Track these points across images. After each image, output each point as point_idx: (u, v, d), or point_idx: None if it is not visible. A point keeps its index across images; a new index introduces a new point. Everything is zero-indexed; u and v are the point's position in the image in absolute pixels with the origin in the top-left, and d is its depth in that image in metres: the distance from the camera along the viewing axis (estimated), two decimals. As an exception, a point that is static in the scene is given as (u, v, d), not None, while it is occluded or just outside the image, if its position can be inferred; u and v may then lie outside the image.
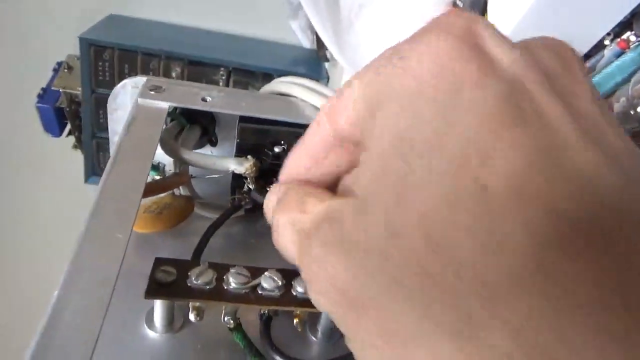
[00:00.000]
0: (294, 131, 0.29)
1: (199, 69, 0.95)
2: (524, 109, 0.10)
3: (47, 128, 0.93)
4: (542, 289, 0.08)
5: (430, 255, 0.09)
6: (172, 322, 0.23)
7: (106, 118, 0.98)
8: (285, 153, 0.28)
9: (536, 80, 0.10)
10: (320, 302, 0.11)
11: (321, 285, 0.11)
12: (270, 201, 0.15)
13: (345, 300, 0.10)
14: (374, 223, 0.10)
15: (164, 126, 0.27)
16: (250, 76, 0.92)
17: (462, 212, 0.09)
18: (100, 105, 0.86)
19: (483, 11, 0.57)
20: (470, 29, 0.11)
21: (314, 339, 0.25)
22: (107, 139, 1.05)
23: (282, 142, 0.28)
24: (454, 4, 0.60)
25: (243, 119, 0.29)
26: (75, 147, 0.96)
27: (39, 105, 0.90)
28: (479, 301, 0.09)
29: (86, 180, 0.93)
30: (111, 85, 0.86)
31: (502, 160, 0.09)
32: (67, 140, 1.00)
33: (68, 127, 1.00)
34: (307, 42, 0.98)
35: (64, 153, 1.00)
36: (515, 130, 0.10)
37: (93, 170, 0.90)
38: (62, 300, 0.17)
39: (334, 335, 0.25)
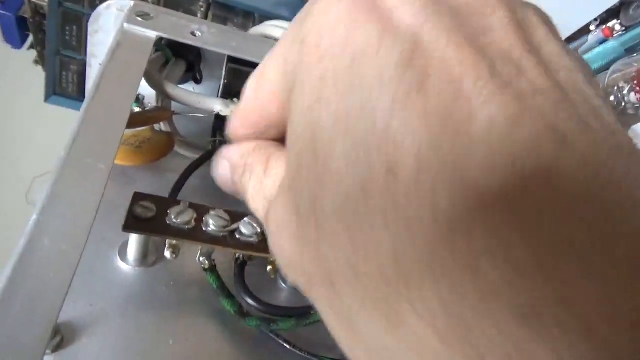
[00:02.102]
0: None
1: (177, -3, 0.90)
2: (424, 69, 0.09)
3: (7, 38, 0.88)
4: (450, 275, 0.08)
5: (355, 254, 0.09)
6: (146, 257, 0.23)
7: (72, 35, 0.93)
8: (272, 100, 0.27)
9: (437, 28, 0.09)
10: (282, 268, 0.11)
11: (279, 261, 0.11)
12: (228, 165, 0.15)
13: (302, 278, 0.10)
14: (305, 219, 0.10)
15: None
16: (230, 12, 0.88)
17: (374, 203, 0.09)
18: (68, 20, 0.81)
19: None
20: None
21: (283, 285, 0.26)
22: (73, 57, 0.99)
23: (270, 88, 0.28)
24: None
25: (232, 59, 0.28)
26: (36, 62, 0.91)
27: (0, 11, 0.84)
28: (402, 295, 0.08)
29: (46, 99, 0.89)
30: (81, 1, 0.80)
31: (408, 138, 0.08)
32: (28, 54, 0.94)
33: (30, 39, 0.94)
34: (293, -16, 0.94)
35: (24, 67, 0.95)
36: (416, 98, 0.09)
37: (54, 89, 0.86)
38: (41, 225, 0.17)
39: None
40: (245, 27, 1.02)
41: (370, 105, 0.09)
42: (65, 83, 0.87)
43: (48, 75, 0.86)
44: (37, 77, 0.88)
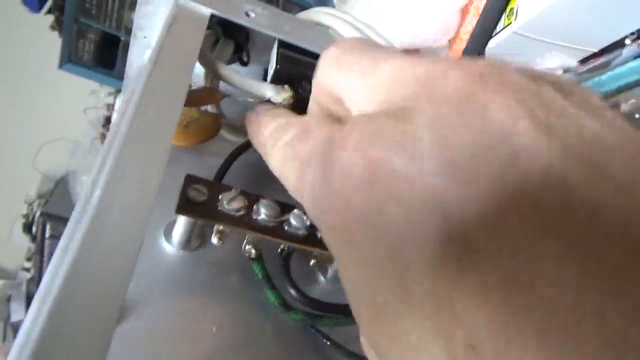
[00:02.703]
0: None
1: (202, -27, 0.88)
2: None
3: (26, 1, 0.86)
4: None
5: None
6: (190, 241, 0.23)
7: (92, 4, 0.91)
8: (322, 90, 0.27)
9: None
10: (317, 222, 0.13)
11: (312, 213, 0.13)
12: (266, 127, 0.18)
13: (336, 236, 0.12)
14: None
15: (201, 34, 0.25)
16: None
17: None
18: (89, -12, 0.80)
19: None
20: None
21: (322, 278, 0.25)
22: (91, 26, 0.98)
23: (320, 78, 0.27)
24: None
25: (283, 44, 0.27)
26: (52, 27, 0.90)
27: (21, -26, 0.82)
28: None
29: (60, 66, 0.88)
30: (103, -32, 0.79)
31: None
32: (44, 19, 0.93)
33: (48, 4, 0.92)
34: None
35: (40, 31, 0.93)
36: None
37: (69, 57, 0.85)
38: (105, 202, 0.16)
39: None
40: (268, 10, 0.99)
41: None
42: (81, 51, 0.86)
43: (64, 42, 0.85)
44: (53, 43, 0.87)
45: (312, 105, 0.18)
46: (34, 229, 1.06)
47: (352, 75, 0.14)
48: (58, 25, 0.90)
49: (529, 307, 0.08)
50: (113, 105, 0.92)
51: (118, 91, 0.91)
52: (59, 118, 0.98)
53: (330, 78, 0.15)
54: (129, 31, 0.85)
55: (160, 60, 0.22)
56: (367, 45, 0.15)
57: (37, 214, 1.02)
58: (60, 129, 0.97)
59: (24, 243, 1.16)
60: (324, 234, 0.12)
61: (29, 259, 1.21)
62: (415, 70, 0.12)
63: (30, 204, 1.14)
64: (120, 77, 1.03)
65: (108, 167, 0.17)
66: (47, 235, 1.03)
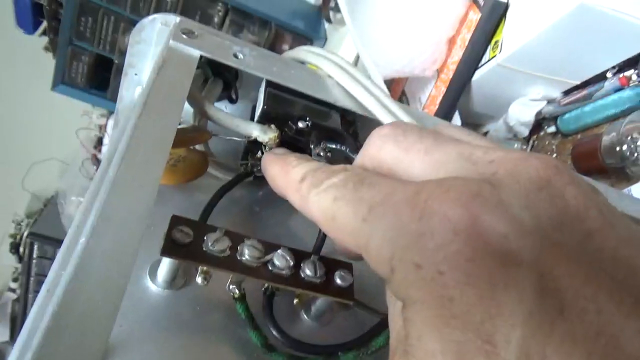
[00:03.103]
0: (318, 108, 0.29)
1: (195, 0, 0.90)
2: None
3: (20, 22, 0.86)
4: None
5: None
6: (175, 280, 0.23)
7: (87, 27, 0.92)
8: (308, 129, 0.27)
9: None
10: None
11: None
12: (295, 168, 0.19)
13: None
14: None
15: (190, 74, 0.26)
16: (247, 19, 0.88)
17: None
18: (85, 11, 0.81)
19: (500, 21, 0.57)
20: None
21: (305, 317, 0.26)
22: (85, 48, 0.98)
23: (307, 117, 0.28)
24: (474, 1, 0.59)
25: (270, 84, 0.28)
26: (46, 49, 0.90)
27: (16, -5, 0.83)
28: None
29: (53, 87, 0.88)
30: (100, -8, 0.80)
31: None
32: (39, 40, 0.93)
33: (43, 25, 0.93)
34: (312, -3, 0.94)
35: (34, 53, 0.94)
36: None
37: (63, 78, 0.85)
38: (91, 248, 0.17)
39: (324, 319, 0.26)
40: (260, 35, 1.01)
41: None
42: (75, 73, 0.87)
43: (58, 63, 0.86)
44: (46, 64, 0.87)
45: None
46: (21, 249, 1.05)
47: (414, 152, 0.16)
48: (52, 47, 0.91)
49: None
50: (105, 126, 0.92)
51: (110, 113, 0.91)
52: (51, 138, 0.98)
53: (384, 152, 0.17)
54: (122, 53, 0.86)
55: (149, 102, 0.22)
56: (422, 129, 0.17)
57: (25, 233, 1.01)
58: (51, 149, 0.97)
59: (11, 263, 1.14)
60: (399, 273, 0.13)
61: (15, 280, 1.20)
62: (488, 153, 0.14)
63: (18, 224, 1.13)
64: (113, 98, 1.03)
65: (94, 213, 0.18)
66: (34, 255, 1.02)
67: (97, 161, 0.94)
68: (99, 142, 0.94)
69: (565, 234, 0.12)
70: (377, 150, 0.17)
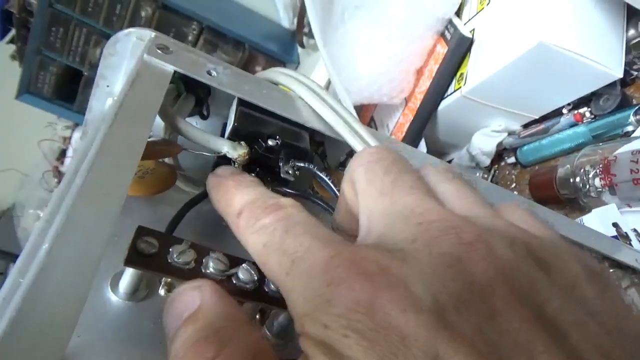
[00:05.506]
0: (288, 128, 0.29)
1: (170, 17, 0.91)
2: None
3: (-12, 29, 0.85)
4: None
5: None
6: (137, 291, 0.23)
7: (57, 37, 0.90)
8: (278, 147, 0.28)
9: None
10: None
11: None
12: (236, 197, 0.20)
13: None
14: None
15: (163, 89, 0.26)
16: (221, 39, 0.89)
17: None
18: (55, 22, 0.80)
19: (465, 54, 0.60)
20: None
21: (268, 333, 0.26)
22: (53, 59, 0.97)
23: (277, 136, 0.28)
24: (442, 35, 0.62)
25: (242, 102, 0.29)
26: (13, 57, 0.88)
27: (-14, 2, 0.81)
28: None
29: (18, 96, 0.86)
30: (72, 4, 0.79)
31: None
32: (5, 48, 0.91)
33: (11, 33, 0.91)
34: (286, 22, 0.96)
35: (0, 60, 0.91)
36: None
37: (28, 87, 0.83)
38: (53, 255, 0.16)
39: (286, 336, 0.26)
40: (234, 55, 1.02)
41: None
42: (41, 83, 0.85)
43: (24, 72, 0.84)
44: (12, 72, 0.85)
45: (343, 184, 0.20)
46: (-28, 262, 1.01)
47: (372, 189, 0.17)
48: (19, 56, 0.89)
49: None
50: (70, 138, 0.90)
51: (76, 125, 0.90)
52: (11, 148, 0.95)
53: (356, 175, 0.18)
54: (92, 66, 0.85)
55: (121, 113, 0.23)
56: (397, 165, 0.17)
57: (-23, 245, 0.97)
58: (11, 160, 0.94)
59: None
60: (308, 329, 0.13)
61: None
62: (427, 212, 0.15)
63: (-30, 235, 1.08)
64: (80, 111, 1.01)
65: (59, 219, 0.18)
66: (-15, 269, 0.98)
67: (58, 173, 0.91)
68: (62, 154, 0.92)
69: (464, 314, 0.12)
70: (352, 172, 0.18)
